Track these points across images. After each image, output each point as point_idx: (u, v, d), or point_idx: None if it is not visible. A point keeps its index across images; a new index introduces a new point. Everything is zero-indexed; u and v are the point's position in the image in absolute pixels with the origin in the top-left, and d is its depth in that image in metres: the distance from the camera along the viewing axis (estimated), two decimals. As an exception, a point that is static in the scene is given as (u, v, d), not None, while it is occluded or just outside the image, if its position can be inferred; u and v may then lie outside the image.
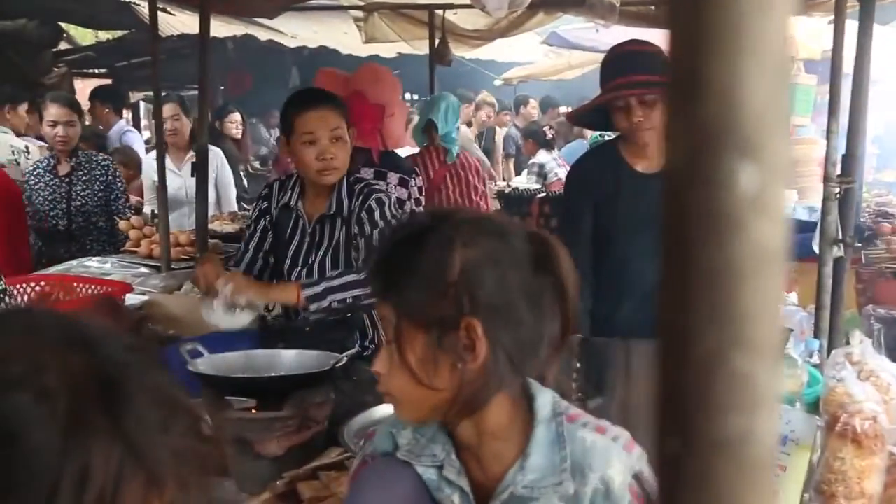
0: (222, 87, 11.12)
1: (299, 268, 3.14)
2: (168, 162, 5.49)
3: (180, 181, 5.84)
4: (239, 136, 7.74)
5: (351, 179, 3.10)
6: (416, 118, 7.43)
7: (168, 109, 5.76)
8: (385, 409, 2.45)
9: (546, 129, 8.55)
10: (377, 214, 3.02)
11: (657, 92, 3.04)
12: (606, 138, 6.65)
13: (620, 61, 3.13)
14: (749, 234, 0.34)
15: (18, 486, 0.75)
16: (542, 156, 8.31)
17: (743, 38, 0.33)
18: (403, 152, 5.58)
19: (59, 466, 0.75)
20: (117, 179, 5.27)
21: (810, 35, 7.32)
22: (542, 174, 8.15)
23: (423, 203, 4.24)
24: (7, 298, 1.91)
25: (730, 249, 0.34)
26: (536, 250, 1.35)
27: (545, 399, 1.36)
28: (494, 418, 1.35)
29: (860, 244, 4.91)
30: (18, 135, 6.17)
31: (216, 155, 5.93)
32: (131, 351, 0.84)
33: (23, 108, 6.43)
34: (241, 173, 8.17)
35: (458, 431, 1.38)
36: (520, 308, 1.31)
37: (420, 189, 4.14)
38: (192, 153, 5.58)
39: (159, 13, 5.07)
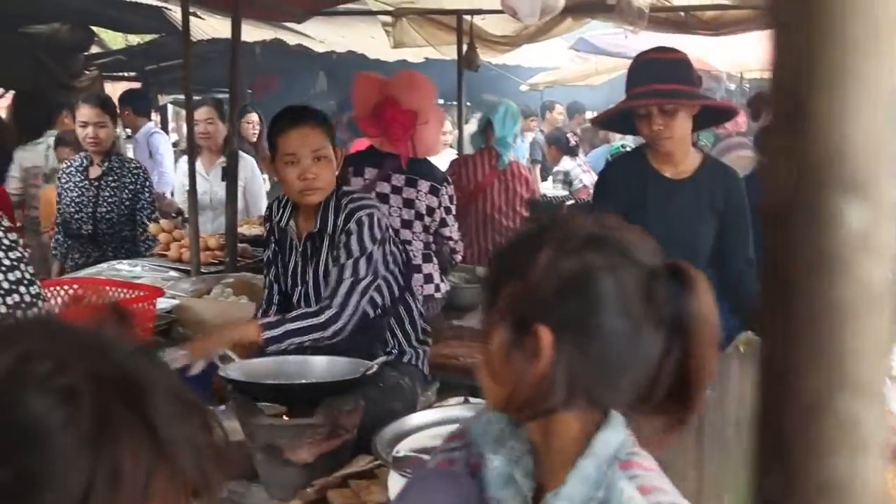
0: (250, 91, 11.16)
1: (300, 287, 3.13)
2: (198, 165, 5.45)
3: (206, 185, 5.79)
4: (255, 137, 7.57)
5: (339, 193, 3.04)
6: (448, 125, 7.48)
7: (203, 113, 5.74)
8: (417, 419, 2.45)
9: (570, 135, 8.53)
10: (354, 239, 2.95)
11: (677, 101, 3.03)
12: (628, 146, 6.64)
13: (644, 69, 3.12)
14: (855, 274, 0.33)
15: (50, 486, 0.76)
16: (566, 163, 8.30)
17: (850, 71, 0.32)
18: (444, 157, 5.61)
19: (91, 464, 0.76)
20: (146, 189, 5.14)
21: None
22: (567, 181, 8.14)
23: (455, 210, 4.22)
24: (40, 302, 1.91)
25: (835, 289, 0.33)
26: (666, 282, 1.27)
27: (612, 437, 1.29)
28: (559, 435, 1.31)
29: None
30: None
31: (247, 164, 5.84)
32: (141, 353, 0.86)
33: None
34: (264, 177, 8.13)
35: (529, 432, 1.36)
36: (608, 335, 1.25)
37: (451, 197, 4.12)
38: (222, 158, 5.55)
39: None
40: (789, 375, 0.34)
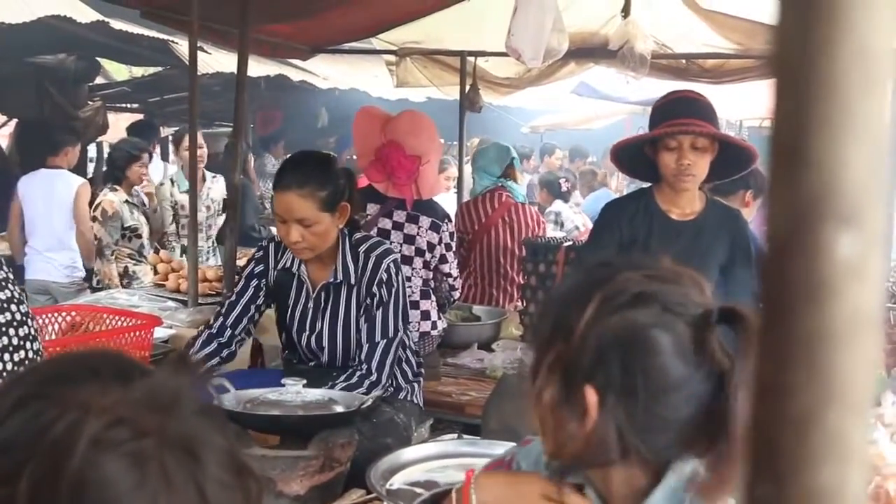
0: (252, 126, 11.24)
1: (307, 332, 3.13)
2: None
3: None
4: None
5: (352, 242, 3.05)
6: (452, 165, 7.50)
7: None
8: (411, 452, 2.46)
9: (562, 181, 8.54)
10: (384, 291, 3.00)
11: (709, 142, 3.07)
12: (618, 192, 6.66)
13: (678, 105, 3.16)
14: (846, 300, 0.36)
15: None
16: (558, 205, 8.32)
17: (845, 112, 0.35)
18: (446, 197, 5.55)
19: None
20: None
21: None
22: (558, 223, 8.16)
23: (455, 248, 4.23)
24: (38, 359, 1.88)
25: (827, 314, 0.36)
26: (720, 327, 1.24)
27: (681, 470, 1.28)
28: (617, 483, 1.32)
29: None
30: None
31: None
32: (205, 413, 0.87)
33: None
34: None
35: (590, 476, 1.37)
36: (655, 392, 1.23)
37: (451, 234, 4.14)
38: None
39: (195, 51, 5.13)
40: (783, 392, 0.36)
